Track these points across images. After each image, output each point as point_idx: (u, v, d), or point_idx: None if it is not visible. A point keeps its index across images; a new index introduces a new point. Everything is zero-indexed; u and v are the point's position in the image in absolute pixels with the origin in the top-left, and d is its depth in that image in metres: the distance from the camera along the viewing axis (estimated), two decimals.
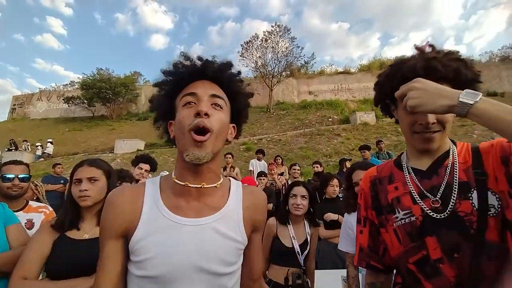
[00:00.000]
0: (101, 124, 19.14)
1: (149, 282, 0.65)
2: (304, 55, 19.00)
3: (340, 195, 3.17)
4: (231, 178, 0.84)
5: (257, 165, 6.54)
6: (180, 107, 0.71)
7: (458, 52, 0.79)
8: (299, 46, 18.51)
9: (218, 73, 0.74)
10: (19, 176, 1.64)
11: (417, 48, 0.81)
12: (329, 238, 2.78)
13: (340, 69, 22.02)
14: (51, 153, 13.57)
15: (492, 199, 0.71)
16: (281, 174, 5.50)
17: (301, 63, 19.65)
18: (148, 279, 0.65)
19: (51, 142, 13.88)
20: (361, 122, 12.79)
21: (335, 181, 2.95)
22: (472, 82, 0.76)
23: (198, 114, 0.66)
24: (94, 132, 17.74)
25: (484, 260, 0.70)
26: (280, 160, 6.37)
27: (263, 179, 4.47)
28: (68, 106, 20.71)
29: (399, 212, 0.82)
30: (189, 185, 0.70)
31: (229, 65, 0.77)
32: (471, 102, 0.61)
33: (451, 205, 0.74)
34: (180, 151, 0.70)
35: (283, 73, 19.01)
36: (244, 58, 18.81)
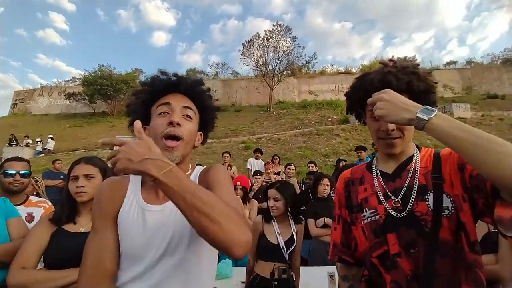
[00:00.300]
0: (101, 121, 19.26)
1: (123, 252, 0.78)
2: (306, 54, 19.09)
3: (332, 194, 3.25)
4: (198, 166, 0.94)
5: (255, 164, 6.62)
6: (155, 115, 0.82)
7: (416, 65, 0.87)
8: (301, 46, 18.61)
9: (190, 88, 0.86)
10: (20, 172, 1.71)
11: (381, 62, 0.90)
12: (320, 236, 2.87)
13: (342, 69, 22.11)
14: (52, 148, 13.69)
15: (447, 202, 0.78)
16: (278, 173, 5.58)
17: (302, 63, 19.73)
18: (123, 250, 0.78)
19: (51, 138, 13.99)
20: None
21: (326, 180, 3.03)
22: (427, 92, 0.84)
23: (170, 123, 0.77)
24: (95, 128, 17.86)
25: (438, 257, 0.77)
26: (278, 159, 6.45)
27: (259, 178, 4.55)
28: (69, 102, 20.86)
29: (366, 211, 0.90)
30: None
31: (200, 81, 0.89)
32: (426, 118, 0.68)
33: (410, 206, 0.81)
34: None
35: (284, 72, 19.08)
36: (245, 57, 18.91)
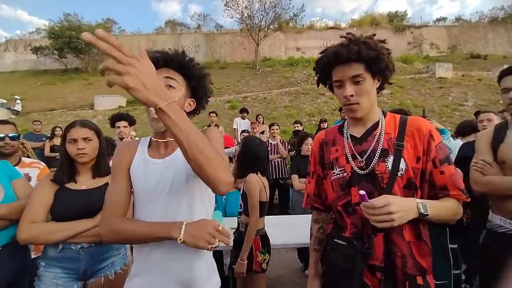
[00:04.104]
0: (76, 78, 17.97)
1: (137, 196, 0.99)
2: (294, 6, 17.90)
3: None
4: None
5: (241, 124, 6.72)
6: None
7: (368, 37, 0.96)
8: None
9: (171, 61, 0.95)
10: (9, 135, 1.71)
11: (341, 36, 1.00)
12: (301, 190, 3.16)
13: (331, 24, 21.12)
14: (20, 110, 12.85)
15: (402, 164, 0.93)
16: (262, 132, 5.73)
17: (290, 16, 18.60)
18: (136, 194, 0.99)
19: (19, 99, 13.00)
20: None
21: (309, 140, 3.22)
22: (377, 59, 0.93)
23: None
24: (70, 86, 16.74)
25: None
26: (262, 119, 6.58)
27: None
28: (37, 57, 18.98)
29: (336, 169, 1.05)
30: (159, 140, 1.00)
31: (181, 54, 0.98)
32: (427, 212, 0.86)
33: (372, 166, 0.96)
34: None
35: (271, 27, 18.03)
36: (229, 8, 17.51)
